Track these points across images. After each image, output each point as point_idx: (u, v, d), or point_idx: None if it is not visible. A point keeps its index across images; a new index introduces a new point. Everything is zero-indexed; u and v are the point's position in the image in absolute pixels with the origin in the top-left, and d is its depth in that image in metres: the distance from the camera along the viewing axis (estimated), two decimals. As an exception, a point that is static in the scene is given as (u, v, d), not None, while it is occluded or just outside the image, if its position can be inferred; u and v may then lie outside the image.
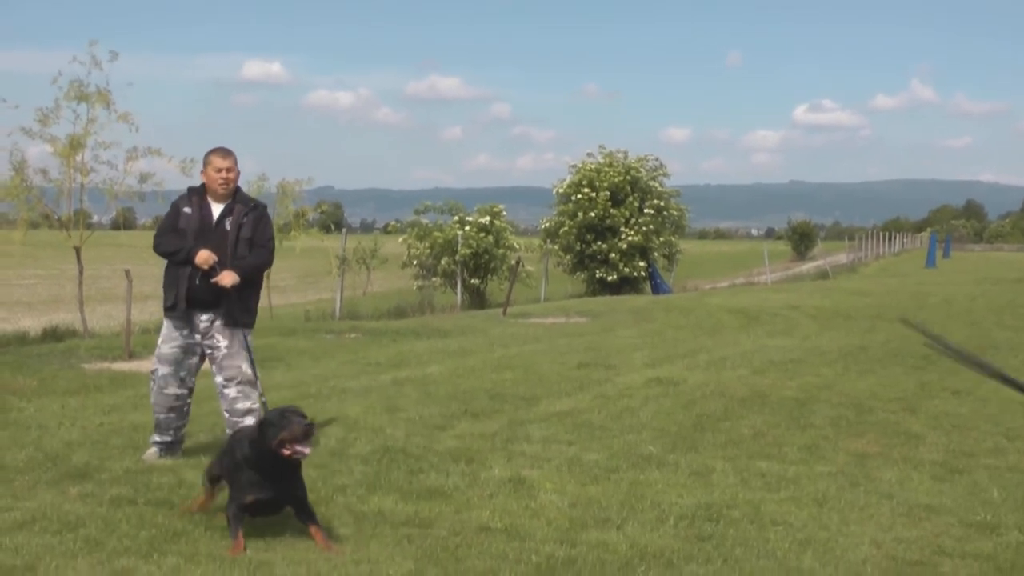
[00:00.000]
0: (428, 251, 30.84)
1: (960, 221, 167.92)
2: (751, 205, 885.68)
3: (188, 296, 7.34)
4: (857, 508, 6.45)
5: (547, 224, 38.24)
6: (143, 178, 16.90)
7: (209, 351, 7.49)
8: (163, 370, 7.49)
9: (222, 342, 7.43)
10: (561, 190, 37.23)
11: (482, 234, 30.95)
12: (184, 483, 6.76)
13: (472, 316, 22.50)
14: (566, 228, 36.28)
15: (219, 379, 7.51)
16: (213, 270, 7.22)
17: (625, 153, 37.77)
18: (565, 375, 11.88)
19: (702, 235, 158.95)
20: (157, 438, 7.60)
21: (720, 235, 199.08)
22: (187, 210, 7.43)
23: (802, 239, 76.08)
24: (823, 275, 43.16)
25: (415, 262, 31.16)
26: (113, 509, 6.14)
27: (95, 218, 18.87)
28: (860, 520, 6.20)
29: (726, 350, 14.66)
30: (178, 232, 7.39)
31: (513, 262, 29.74)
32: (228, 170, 7.47)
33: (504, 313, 22.12)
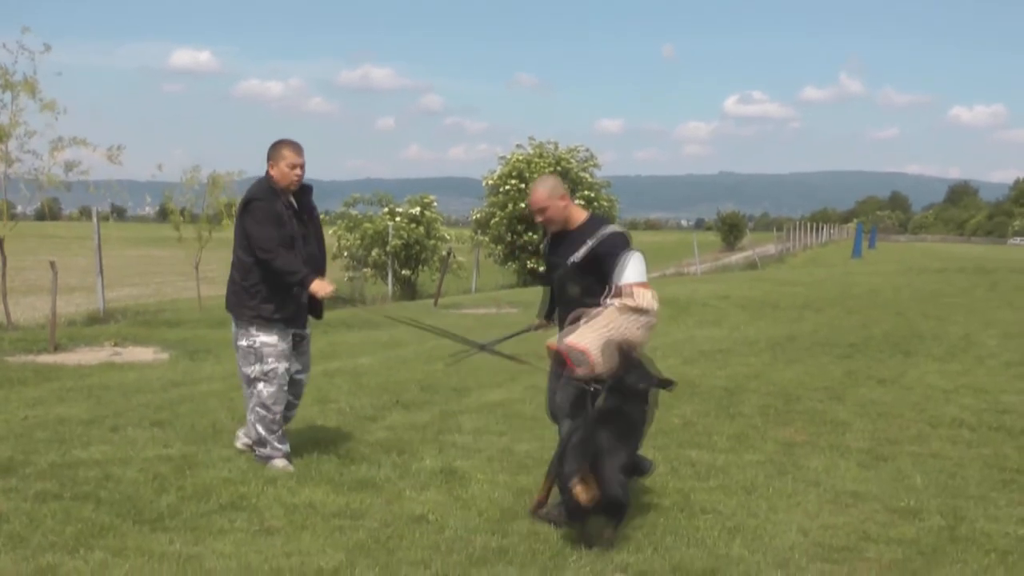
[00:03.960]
0: (359, 242, 30.70)
1: (886, 212, 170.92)
2: (682, 196, 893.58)
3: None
4: (785, 496, 6.53)
5: (478, 215, 38.30)
6: (68, 167, 16.60)
7: (298, 340, 7.37)
8: (283, 366, 7.15)
9: (306, 333, 7.54)
10: (491, 181, 37.30)
11: (412, 225, 30.93)
12: (111, 477, 6.64)
13: (403, 307, 22.44)
14: (496, 219, 36.34)
15: (294, 367, 7.34)
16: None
17: (555, 144, 37.94)
18: (496, 366, 11.85)
19: (633, 226, 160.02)
20: (280, 445, 7.19)
21: (651, 226, 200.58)
22: (284, 211, 6.99)
23: (731, 230, 76.85)
24: (752, 265, 43.60)
25: (345, 253, 31.01)
26: (38, 504, 6.03)
27: (19, 208, 18.49)
28: (788, 507, 6.28)
29: (656, 340, 14.65)
30: (285, 242, 6.97)
31: (444, 253, 29.70)
32: (303, 166, 7.06)
33: (435, 304, 22.09)
